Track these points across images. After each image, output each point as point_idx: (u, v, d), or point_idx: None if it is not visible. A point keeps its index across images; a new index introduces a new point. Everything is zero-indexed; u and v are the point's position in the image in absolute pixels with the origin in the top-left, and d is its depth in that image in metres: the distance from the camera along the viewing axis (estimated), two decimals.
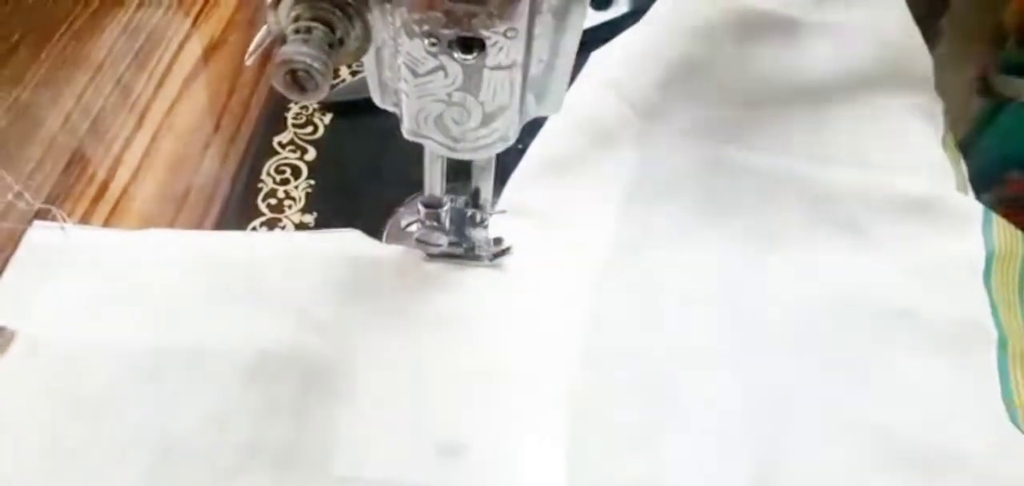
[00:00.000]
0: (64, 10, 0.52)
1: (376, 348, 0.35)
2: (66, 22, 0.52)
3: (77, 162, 0.45)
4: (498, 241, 0.39)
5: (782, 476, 0.32)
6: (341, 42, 0.27)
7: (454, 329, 0.36)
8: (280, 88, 0.26)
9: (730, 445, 0.34)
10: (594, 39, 0.49)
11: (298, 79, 0.25)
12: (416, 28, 0.29)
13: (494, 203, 0.39)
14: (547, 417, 0.34)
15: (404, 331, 0.36)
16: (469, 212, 0.38)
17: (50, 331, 0.35)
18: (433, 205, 0.37)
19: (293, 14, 0.26)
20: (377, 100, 0.34)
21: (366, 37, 0.27)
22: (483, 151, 0.33)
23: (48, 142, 0.45)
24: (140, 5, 0.55)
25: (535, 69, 0.31)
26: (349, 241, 0.39)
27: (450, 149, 0.33)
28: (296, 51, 0.25)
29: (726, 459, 0.33)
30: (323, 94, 0.26)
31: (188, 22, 0.55)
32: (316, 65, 0.25)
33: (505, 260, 0.38)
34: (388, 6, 0.29)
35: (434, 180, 0.37)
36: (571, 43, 0.31)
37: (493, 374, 0.35)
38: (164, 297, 0.37)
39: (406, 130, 0.33)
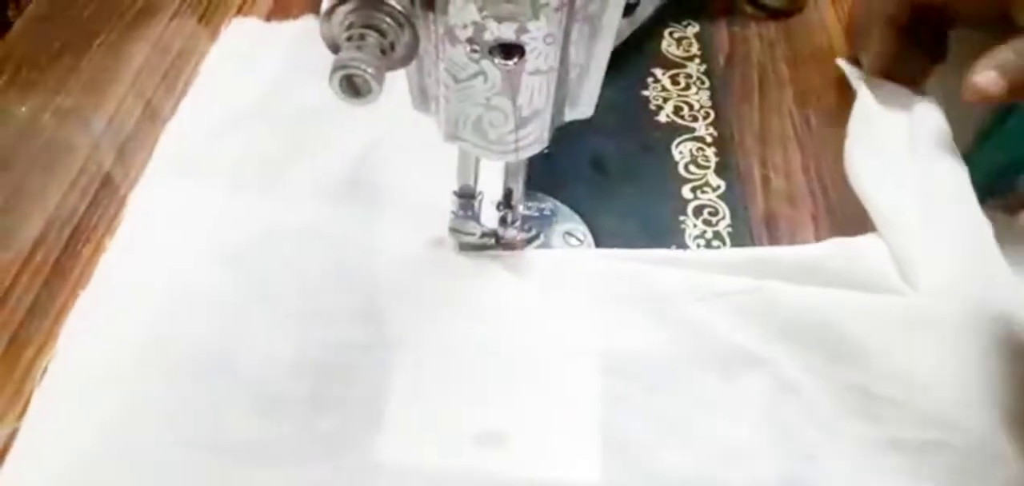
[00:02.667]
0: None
1: (415, 337, 0.37)
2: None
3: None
4: (528, 228, 0.40)
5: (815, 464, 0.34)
6: (392, 47, 0.28)
7: (490, 318, 0.38)
8: (336, 94, 0.27)
9: (761, 433, 0.35)
10: (624, 46, 0.52)
11: (354, 84, 0.27)
12: (458, 35, 0.30)
13: (523, 203, 0.40)
14: (583, 406, 0.35)
15: (441, 320, 0.38)
16: (501, 212, 0.39)
17: None
18: (467, 195, 0.39)
19: (346, 22, 0.28)
20: (416, 105, 0.35)
21: (415, 44, 0.29)
22: (516, 154, 0.35)
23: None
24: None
25: (570, 74, 0.33)
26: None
27: (486, 151, 0.35)
28: (351, 57, 0.27)
29: (758, 445, 0.35)
30: (377, 99, 0.27)
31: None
32: (371, 70, 0.27)
33: (538, 250, 0.40)
34: (431, 15, 0.30)
35: (468, 172, 0.38)
36: (604, 49, 0.33)
37: (530, 363, 0.36)
38: (206, 295, 0.39)
39: (444, 134, 0.35)
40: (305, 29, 0.55)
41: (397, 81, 0.31)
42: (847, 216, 0.45)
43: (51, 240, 0.42)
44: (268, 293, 0.39)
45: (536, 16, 0.29)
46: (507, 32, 0.30)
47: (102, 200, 0.44)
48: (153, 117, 0.49)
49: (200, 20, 0.56)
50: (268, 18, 0.57)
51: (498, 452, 0.34)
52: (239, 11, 0.58)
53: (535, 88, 0.32)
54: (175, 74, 0.52)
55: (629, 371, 0.37)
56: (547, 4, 0.29)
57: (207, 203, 0.43)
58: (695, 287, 0.39)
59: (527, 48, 0.30)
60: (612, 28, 0.32)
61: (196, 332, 0.37)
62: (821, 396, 0.36)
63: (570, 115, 0.35)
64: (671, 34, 0.57)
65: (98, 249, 0.42)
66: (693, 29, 0.57)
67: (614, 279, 0.40)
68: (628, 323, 0.38)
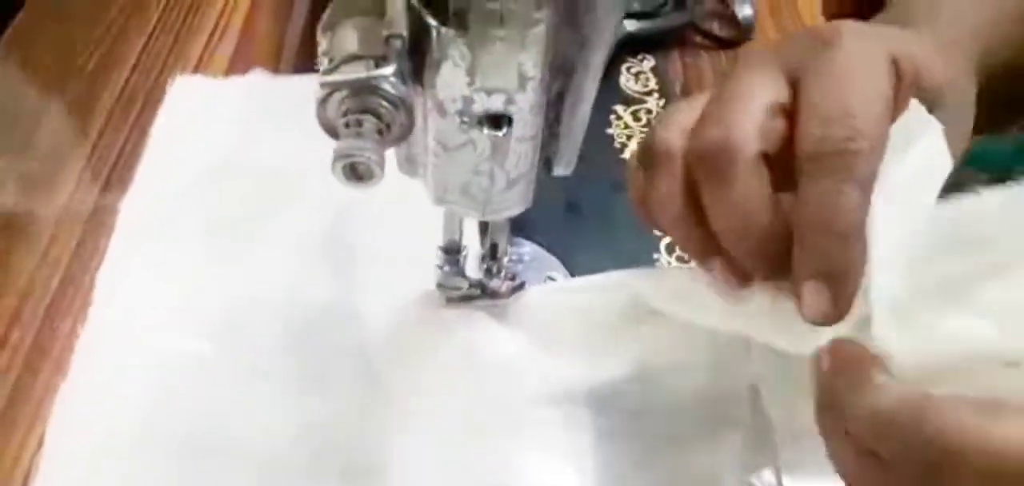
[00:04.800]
0: None
1: (412, 396, 0.38)
2: None
3: None
4: (512, 277, 0.41)
5: None
6: (388, 128, 0.29)
7: (483, 371, 0.38)
8: (339, 181, 0.28)
9: (743, 444, 0.36)
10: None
11: (357, 171, 0.28)
12: (448, 107, 0.31)
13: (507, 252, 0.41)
14: (578, 448, 0.36)
15: (436, 378, 0.38)
16: (485, 264, 0.40)
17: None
18: (453, 251, 0.40)
19: (342, 108, 0.29)
20: (402, 171, 0.36)
21: (409, 123, 0.29)
22: (504, 213, 0.36)
23: None
24: None
25: (556, 136, 0.34)
26: None
27: (474, 212, 0.36)
28: (352, 146, 0.28)
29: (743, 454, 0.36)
30: (379, 182, 0.28)
31: None
32: (374, 157, 0.27)
33: (524, 300, 0.41)
34: (419, 88, 0.31)
35: (453, 228, 0.39)
36: (584, 114, 0.34)
37: (525, 412, 0.37)
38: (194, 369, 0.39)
39: (432, 198, 0.35)
40: (255, 85, 0.54)
41: None
42: None
43: (26, 318, 0.42)
44: (258, 362, 0.39)
45: (523, 88, 0.31)
46: (495, 103, 0.31)
47: (75, 274, 0.44)
48: (120, 180, 0.49)
49: (160, 73, 0.56)
50: (228, 73, 0.57)
51: None
52: (198, 64, 0.57)
53: (521, 153, 0.33)
54: (139, 133, 0.52)
55: (615, 399, 0.38)
56: (533, 77, 0.30)
57: (180, 274, 0.43)
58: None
59: (514, 117, 0.31)
60: (591, 95, 0.33)
61: (189, 408, 0.37)
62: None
63: (554, 172, 0.36)
64: (628, 69, 0.59)
65: (76, 325, 0.41)
66: (649, 63, 0.59)
67: (596, 306, 0.40)
68: (611, 350, 0.39)
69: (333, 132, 0.29)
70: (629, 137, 0.53)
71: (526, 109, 0.31)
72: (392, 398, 0.38)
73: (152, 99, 0.54)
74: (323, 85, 0.28)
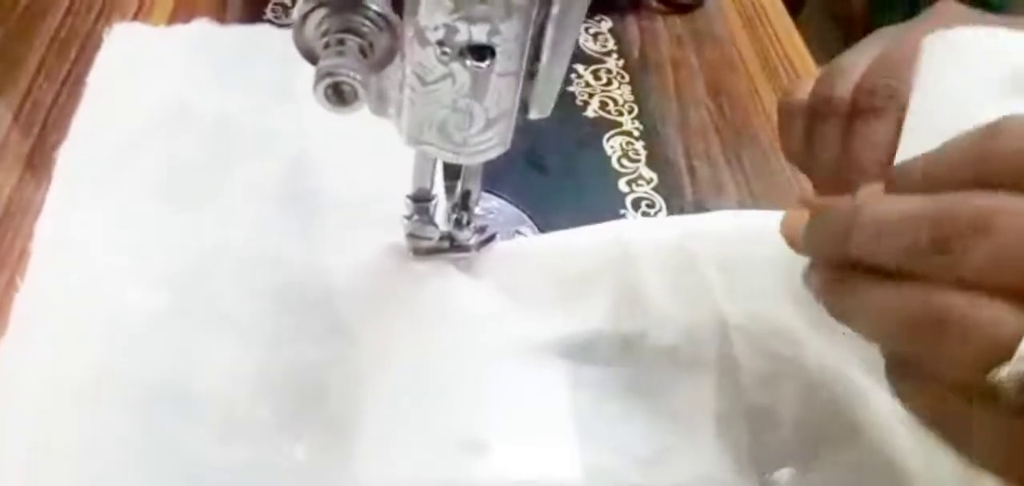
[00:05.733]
0: None
1: (382, 350, 0.36)
2: None
3: None
4: (482, 229, 0.40)
5: None
6: (371, 48, 0.27)
7: (455, 323, 0.37)
8: (320, 103, 0.26)
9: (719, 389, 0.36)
10: None
11: (341, 91, 0.26)
12: (429, 37, 0.30)
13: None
14: (553, 398, 0.36)
15: (407, 331, 0.37)
16: (454, 215, 0.39)
17: None
18: (423, 199, 0.38)
19: (322, 29, 0.27)
20: (373, 110, 0.34)
21: (392, 46, 0.28)
22: (481, 156, 0.35)
23: None
24: None
25: (535, 75, 0.33)
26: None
27: (450, 154, 0.34)
28: (335, 64, 0.26)
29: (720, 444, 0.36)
30: (363, 106, 0.27)
31: None
32: (358, 76, 0.26)
33: (495, 253, 0.40)
34: (397, 18, 0.30)
35: (424, 175, 0.37)
36: (566, 50, 0.33)
37: (498, 363, 0.36)
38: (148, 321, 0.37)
39: (405, 138, 0.34)
40: (199, 34, 0.52)
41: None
42: (770, 199, 0.48)
43: None
44: (219, 315, 0.37)
45: (509, 17, 0.29)
46: (479, 34, 0.30)
47: (14, 219, 0.41)
48: (56, 129, 0.45)
49: (98, 19, 0.52)
50: (171, 20, 0.54)
51: (479, 459, 0.34)
52: (138, 12, 0.54)
53: (502, 89, 0.32)
54: (74, 81, 0.48)
55: (589, 350, 0.38)
56: (521, 5, 0.29)
57: (131, 224, 0.40)
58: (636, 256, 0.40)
59: (497, 50, 0.30)
60: (575, 30, 0.32)
61: (144, 362, 0.35)
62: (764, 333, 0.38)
63: (529, 115, 0.35)
64: (586, 30, 0.58)
65: (15, 276, 0.38)
66: (607, 24, 0.59)
67: (568, 259, 0.40)
68: (583, 302, 0.39)
69: (311, 56, 0.27)
70: (591, 96, 0.53)
71: (511, 39, 0.30)
72: (361, 350, 0.37)
73: (88, 47, 0.51)
74: (306, 1, 0.26)
